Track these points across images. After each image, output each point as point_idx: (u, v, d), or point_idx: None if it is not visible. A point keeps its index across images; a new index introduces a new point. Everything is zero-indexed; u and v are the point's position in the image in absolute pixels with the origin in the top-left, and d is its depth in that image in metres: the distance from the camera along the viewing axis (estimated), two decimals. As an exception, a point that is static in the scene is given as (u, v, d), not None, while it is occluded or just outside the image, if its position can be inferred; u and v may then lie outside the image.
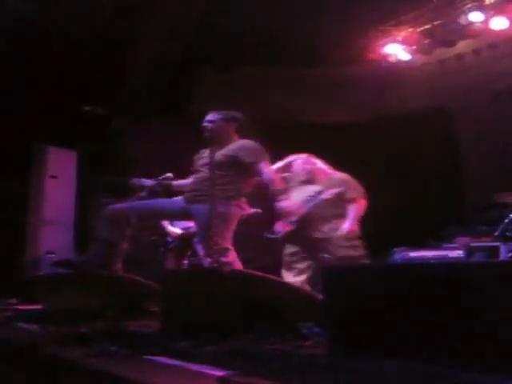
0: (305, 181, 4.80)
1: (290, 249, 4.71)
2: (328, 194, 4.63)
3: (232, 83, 8.15)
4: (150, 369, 2.21)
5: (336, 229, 4.59)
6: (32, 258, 6.47)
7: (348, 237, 4.58)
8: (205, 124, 4.11)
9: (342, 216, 4.65)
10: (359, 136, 8.01)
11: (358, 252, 4.61)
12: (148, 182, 4.37)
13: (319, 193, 4.66)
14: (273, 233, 4.76)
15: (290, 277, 4.56)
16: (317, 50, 7.08)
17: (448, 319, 1.91)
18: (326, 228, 4.62)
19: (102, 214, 4.28)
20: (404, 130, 7.86)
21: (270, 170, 4.02)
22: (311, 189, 4.74)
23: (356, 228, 4.67)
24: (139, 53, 6.92)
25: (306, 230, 4.62)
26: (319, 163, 4.90)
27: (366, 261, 4.62)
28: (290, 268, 4.65)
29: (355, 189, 4.72)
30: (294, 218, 4.49)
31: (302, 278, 4.54)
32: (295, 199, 4.66)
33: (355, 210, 4.66)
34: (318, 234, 4.61)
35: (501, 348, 1.77)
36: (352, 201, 4.67)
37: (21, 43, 6.59)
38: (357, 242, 4.64)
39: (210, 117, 4.13)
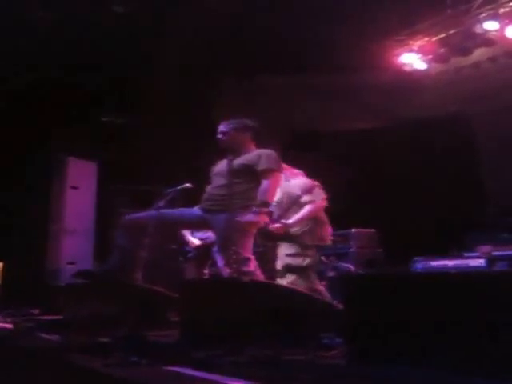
0: None
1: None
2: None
3: (254, 92, 8.19)
4: (171, 379, 2.20)
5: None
6: (53, 268, 6.52)
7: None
8: (218, 136, 4.12)
9: None
10: (378, 142, 7.99)
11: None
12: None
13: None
14: None
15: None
16: (334, 59, 7.10)
17: (469, 329, 1.89)
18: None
19: (119, 224, 4.31)
20: (422, 137, 7.83)
21: (276, 182, 3.95)
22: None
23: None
24: (161, 62, 6.97)
25: None
26: None
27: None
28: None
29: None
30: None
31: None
32: None
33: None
34: None
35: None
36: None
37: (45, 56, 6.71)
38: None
39: (221, 128, 4.14)
